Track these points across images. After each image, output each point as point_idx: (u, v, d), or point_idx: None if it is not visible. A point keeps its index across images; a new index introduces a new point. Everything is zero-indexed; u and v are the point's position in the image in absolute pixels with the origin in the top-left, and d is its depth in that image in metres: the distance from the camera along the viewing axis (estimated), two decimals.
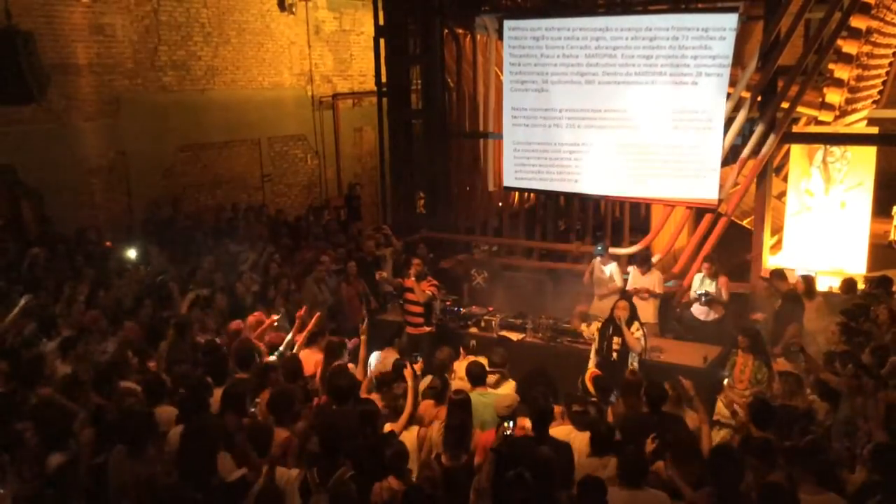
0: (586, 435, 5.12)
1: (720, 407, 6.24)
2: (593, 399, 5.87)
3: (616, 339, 6.90)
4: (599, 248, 8.99)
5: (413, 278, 8.30)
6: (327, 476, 4.38)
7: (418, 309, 8.28)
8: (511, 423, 5.02)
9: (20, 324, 7.10)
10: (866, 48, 9.97)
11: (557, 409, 5.75)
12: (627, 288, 8.70)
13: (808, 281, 7.94)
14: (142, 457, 4.59)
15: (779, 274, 8.13)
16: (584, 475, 4.32)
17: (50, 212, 10.63)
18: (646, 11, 9.47)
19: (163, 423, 5.15)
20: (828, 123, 10.08)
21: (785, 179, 10.21)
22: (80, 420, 5.16)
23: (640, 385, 5.67)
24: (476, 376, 6.01)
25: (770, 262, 9.63)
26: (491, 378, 6.28)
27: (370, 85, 13.98)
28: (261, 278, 9.20)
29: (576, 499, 4.16)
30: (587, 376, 6.12)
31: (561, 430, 5.25)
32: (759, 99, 9.18)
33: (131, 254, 9.62)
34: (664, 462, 4.67)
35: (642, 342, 6.92)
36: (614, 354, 6.88)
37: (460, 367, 6.73)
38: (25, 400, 5.47)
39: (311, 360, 6.61)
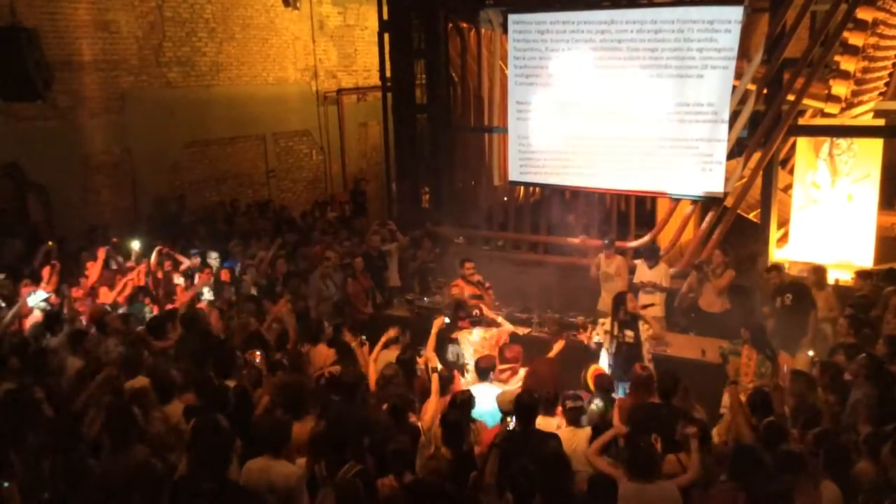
0: (585, 431, 5.16)
1: (727, 400, 6.22)
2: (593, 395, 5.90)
3: (629, 334, 6.91)
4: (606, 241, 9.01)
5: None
6: (335, 470, 4.40)
7: None
8: (512, 419, 5.03)
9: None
10: (872, 40, 9.90)
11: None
12: (634, 281, 8.70)
13: (819, 271, 7.89)
14: (127, 452, 4.62)
15: (774, 268, 8.11)
16: (596, 473, 4.32)
17: (56, 209, 10.67)
18: (651, 4, 9.44)
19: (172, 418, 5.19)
20: (834, 115, 10.03)
21: (791, 172, 10.16)
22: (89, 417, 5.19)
23: (649, 379, 5.69)
24: (484, 371, 6.04)
25: (777, 255, 9.60)
26: (503, 374, 6.31)
27: (374, 80, 14.00)
28: (267, 273, 9.23)
29: (587, 497, 4.13)
30: (590, 374, 6.11)
31: (564, 433, 5.25)
32: (764, 91, 9.15)
33: (135, 245, 9.65)
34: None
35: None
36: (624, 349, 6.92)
37: (462, 337, 7.02)
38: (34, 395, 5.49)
39: (321, 355, 6.63)
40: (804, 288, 7.62)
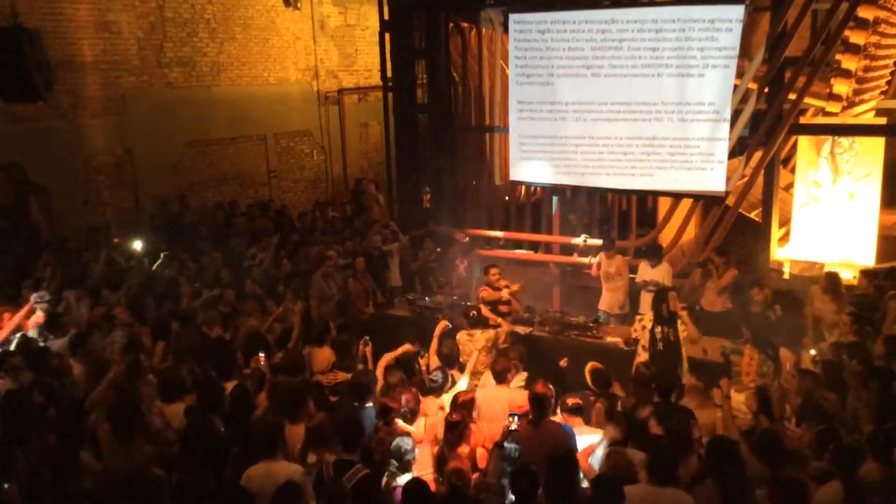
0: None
1: (735, 399, 6.21)
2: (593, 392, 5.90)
3: (669, 331, 6.86)
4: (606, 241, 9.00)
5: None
6: (342, 472, 4.40)
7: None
8: (516, 418, 5.02)
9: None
10: (874, 38, 9.90)
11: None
12: (636, 280, 8.70)
13: (833, 279, 7.61)
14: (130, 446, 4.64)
15: (756, 284, 7.97)
16: (603, 473, 4.31)
17: (57, 209, 10.68)
18: (652, 3, 9.42)
19: (174, 419, 5.19)
20: (835, 114, 10.03)
21: (792, 171, 10.16)
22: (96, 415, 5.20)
23: (650, 378, 5.68)
24: (500, 374, 6.02)
25: (778, 254, 9.60)
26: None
27: (375, 80, 14.00)
28: (269, 274, 9.23)
29: (593, 497, 4.10)
30: (587, 370, 6.11)
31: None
32: (766, 90, 9.15)
33: (137, 245, 9.65)
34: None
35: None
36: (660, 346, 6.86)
37: (461, 339, 6.97)
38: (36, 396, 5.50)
39: (323, 357, 6.63)
40: (788, 294, 7.62)
